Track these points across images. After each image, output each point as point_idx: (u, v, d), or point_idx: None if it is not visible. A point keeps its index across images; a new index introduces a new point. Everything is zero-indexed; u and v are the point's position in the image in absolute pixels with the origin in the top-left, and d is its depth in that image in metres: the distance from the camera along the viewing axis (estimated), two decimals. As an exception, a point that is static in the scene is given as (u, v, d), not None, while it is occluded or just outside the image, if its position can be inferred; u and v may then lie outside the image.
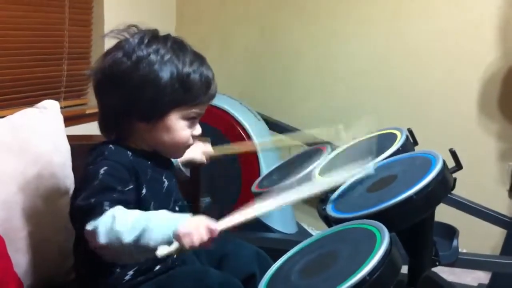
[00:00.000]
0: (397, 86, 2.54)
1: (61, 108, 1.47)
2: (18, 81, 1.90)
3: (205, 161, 1.41)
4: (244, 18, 2.71)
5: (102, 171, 1.03)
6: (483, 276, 2.26)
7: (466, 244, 2.17)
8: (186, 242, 0.91)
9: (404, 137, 1.22)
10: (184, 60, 1.09)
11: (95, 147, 1.11)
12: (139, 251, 0.94)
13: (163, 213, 0.97)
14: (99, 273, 1.10)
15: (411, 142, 1.25)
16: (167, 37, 1.13)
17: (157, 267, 1.14)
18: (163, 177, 1.16)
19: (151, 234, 0.92)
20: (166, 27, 1.17)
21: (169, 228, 0.93)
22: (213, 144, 1.59)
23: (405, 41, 2.50)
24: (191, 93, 1.09)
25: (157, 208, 1.07)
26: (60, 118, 1.41)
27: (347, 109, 2.59)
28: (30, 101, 1.90)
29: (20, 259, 1.21)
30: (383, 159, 1.17)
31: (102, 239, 0.93)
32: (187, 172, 1.37)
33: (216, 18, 2.72)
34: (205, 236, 0.93)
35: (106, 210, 0.96)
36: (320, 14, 2.62)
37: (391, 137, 1.26)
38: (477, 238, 2.32)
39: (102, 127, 1.15)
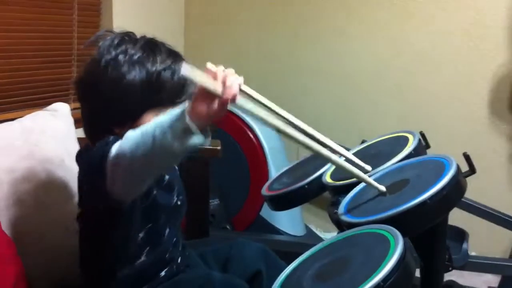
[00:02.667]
0: (406, 88, 2.53)
1: (70, 110, 1.47)
2: (28, 83, 1.91)
3: None
4: (253, 19, 2.71)
5: (110, 138, 0.99)
6: (493, 279, 2.25)
7: (475, 247, 2.16)
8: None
9: (416, 141, 1.21)
10: (154, 59, 1.05)
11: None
12: (164, 142, 0.84)
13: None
14: (105, 279, 1.11)
15: (423, 146, 1.24)
16: (139, 38, 1.10)
17: (162, 273, 1.14)
18: None
19: (163, 122, 0.85)
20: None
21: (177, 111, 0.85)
22: (222, 146, 1.59)
23: (414, 43, 2.49)
24: (165, 91, 1.05)
25: (159, 198, 1.08)
26: (71, 120, 1.41)
27: (356, 112, 2.59)
28: (40, 103, 1.91)
29: (30, 263, 1.21)
30: (395, 163, 1.16)
31: (127, 150, 0.88)
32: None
33: (224, 20, 2.72)
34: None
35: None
36: (327, 16, 2.61)
37: (403, 140, 1.25)
38: (487, 241, 2.31)
39: (85, 132, 1.13)
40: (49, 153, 1.30)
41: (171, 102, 1.05)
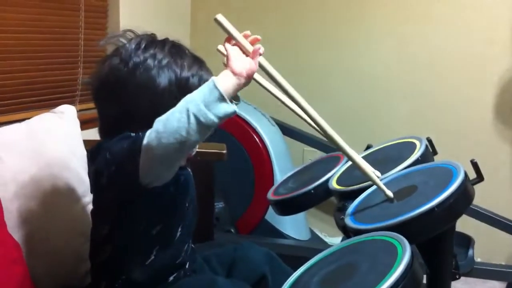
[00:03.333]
0: (412, 93, 2.53)
1: (77, 112, 1.47)
2: (34, 84, 1.91)
3: None
4: (258, 25, 2.70)
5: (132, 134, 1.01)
6: (498, 286, 2.24)
7: (480, 253, 2.15)
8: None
9: (423, 147, 1.20)
10: (182, 64, 1.06)
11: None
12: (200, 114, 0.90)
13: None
14: (115, 279, 1.10)
15: (430, 152, 1.23)
16: (164, 41, 1.10)
17: (171, 278, 1.13)
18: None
19: (195, 98, 0.91)
20: (180, 30, 1.16)
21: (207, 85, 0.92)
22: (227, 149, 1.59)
23: (422, 49, 2.49)
24: None
25: (174, 197, 1.09)
26: (77, 123, 1.41)
27: (362, 116, 2.58)
28: (46, 104, 1.91)
29: (35, 265, 1.21)
30: (403, 169, 1.15)
31: (164, 133, 0.90)
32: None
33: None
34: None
35: None
36: (335, 21, 2.61)
37: (410, 146, 1.24)
38: (492, 247, 2.30)
39: (102, 135, 1.12)
40: (55, 155, 1.29)
41: None
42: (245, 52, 0.97)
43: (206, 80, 1.01)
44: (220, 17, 0.96)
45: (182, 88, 1.04)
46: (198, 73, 1.07)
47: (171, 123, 0.91)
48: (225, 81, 0.93)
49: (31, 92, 1.90)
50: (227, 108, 0.92)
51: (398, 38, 2.52)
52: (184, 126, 0.90)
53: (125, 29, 1.12)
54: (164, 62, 1.05)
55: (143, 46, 1.07)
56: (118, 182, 1.02)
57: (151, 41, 1.08)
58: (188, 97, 0.92)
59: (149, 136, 0.92)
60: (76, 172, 1.33)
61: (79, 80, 2.11)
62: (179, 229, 1.13)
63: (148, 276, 1.09)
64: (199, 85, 1.01)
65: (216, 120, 0.91)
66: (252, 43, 0.98)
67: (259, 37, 0.99)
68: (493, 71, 2.39)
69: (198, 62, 1.10)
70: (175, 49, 1.09)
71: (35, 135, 1.29)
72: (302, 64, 2.66)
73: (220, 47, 0.99)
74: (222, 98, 0.91)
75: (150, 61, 1.05)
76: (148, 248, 1.09)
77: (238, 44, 0.97)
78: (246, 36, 0.98)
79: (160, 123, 0.92)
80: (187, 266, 1.16)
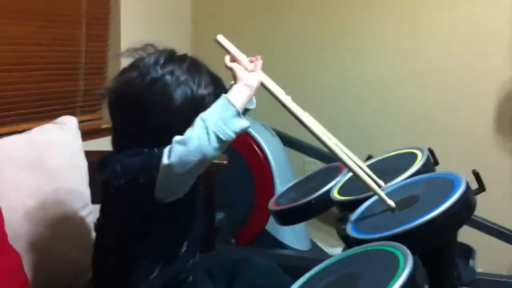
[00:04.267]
0: (412, 104, 2.52)
1: (78, 123, 1.47)
2: (36, 96, 1.91)
3: None
4: (261, 34, 2.71)
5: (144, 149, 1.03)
6: (500, 297, 2.22)
7: (481, 264, 2.14)
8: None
9: (425, 157, 1.21)
10: (199, 82, 1.07)
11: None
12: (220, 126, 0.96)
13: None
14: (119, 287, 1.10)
15: (431, 162, 1.24)
16: (183, 57, 1.11)
17: None
18: None
19: (211, 115, 0.97)
20: (181, 42, 1.17)
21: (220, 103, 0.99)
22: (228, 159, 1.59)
23: (422, 59, 2.49)
24: None
25: (181, 212, 1.09)
26: (78, 134, 1.41)
27: (362, 126, 2.58)
28: (47, 115, 1.91)
29: (35, 276, 1.21)
30: (404, 179, 1.16)
31: (186, 153, 0.95)
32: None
33: (232, 33, 2.72)
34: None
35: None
36: (334, 30, 2.62)
37: (412, 157, 1.25)
38: (493, 257, 2.29)
39: (114, 145, 1.12)
40: (56, 166, 1.30)
41: None
42: (246, 68, 1.06)
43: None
44: (220, 37, 1.04)
45: (198, 106, 1.05)
46: (214, 92, 1.08)
47: (192, 142, 0.95)
48: (238, 97, 1.00)
49: (33, 103, 1.90)
50: (244, 123, 0.99)
51: (399, 50, 2.52)
52: (205, 144, 0.95)
53: (146, 43, 1.12)
54: (182, 79, 1.06)
55: (161, 62, 1.07)
56: (127, 195, 1.03)
57: (170, 57, 1.09)
58: (204, 115, 0.97)
59: (169, 156, 0.95)
60: (77, 183, 1.33)
61: (80, 91, 2.12)
62: (185, 244, 1.12)
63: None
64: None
65: (234, 135, 0.98)
66: (251, 61, 1.08)
67: (258, 57, 1.10)
68: (492, 81, 2.39)
69: (215, 80, 1.11)
70: (193, 67, 1.10)
71: (36, 147, 1.29)
72: (300, 75, 2.67)
73: (219, 38, 1.08)
74: (238, 114, 0.98)
75: (167, 78, 1.06)
76: (152, 262, 1.09)
77: (238, 61, 1.06)
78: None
79: (180, 143, 0.95)
80: (190, 279, 1.16)
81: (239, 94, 1.01)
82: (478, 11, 2.40)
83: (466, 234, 1.81)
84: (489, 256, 2.18)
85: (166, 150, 0.96)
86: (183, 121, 0.99)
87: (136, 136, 1.06)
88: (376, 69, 2.57)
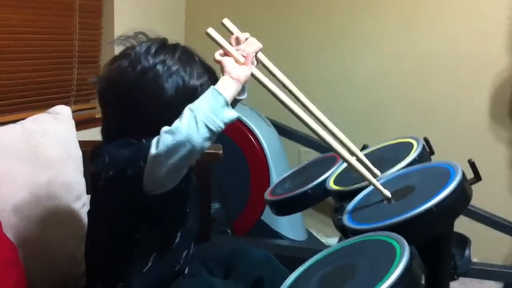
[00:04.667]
0: (408, 94, 2.52)
1: (72, 112, 1.46)
2: (28, 85, 1.90)
3: None
4: (254, 25, 2.69)
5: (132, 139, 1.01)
6: (495, 286, 2.24)
7: (477, 253, 2.15)
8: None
9: (420, 147, 1.20)
10: (191, 73, 1.06)
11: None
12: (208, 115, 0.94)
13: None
14: (113, 279, 1.09)
15: (427, 152, 1.23)
16: (175, 47, 1.09)
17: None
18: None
19: (201, 106, 0.94)
20: (175, 32, 1.15)
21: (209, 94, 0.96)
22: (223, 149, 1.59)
23: (417, 50, 2.48)
24: None
25: (174, 203, 1.07)
26: (72, 124, 1.40)
27: (358, 117, 2.58)
28: (40, 105, 1.90)
29: (31, 266, 1.20)
30: (400, 169, 1.15)
31: (173, 144, 0.92)
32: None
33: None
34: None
35: None
36: (332, 24, 2.61)
37: (407, 146, 1.24)
38: (489, 247, 2.30)
39: (104, 136, 1.11)
40: (50, 156, 1.29)
41: None
42: (237, 61, 1.02)
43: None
44: (210, 30, 1.01)
45: (189, 96, 1.02)
46: (207, 83, 1.06)
47: (180, 132, 0.92)
48: (226, 88, 0.98)
49: (26, 92, 1.89)
50: (232, 113, 0.97)
51: (393, 40, 2.52)
52: (193, 134, 0.92)
53: (137, 31, 1.11)
54: (173, 69, 1.04)
55: (153, 51, 1.05)
56: (116, 187, 1.01)
57: (161, 46, 1.07)
58: (193, 105, 0.94)
59: (157, 146, 0.93)
60: (72, 173, 1.32)
61: (74, 81, 2.10)
62: (178, 235, 1.11)
63: (146, 285, 1.07)
64: None
65: (223, 126, 0.95)
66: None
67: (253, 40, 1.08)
68: (488, 71, 2.39)
69: (208, 71, 1.09)
70: (185, 56, 1.08)
71: (30, 137, 1.28)
72: (298, 68, 2.66)
73: (210, 31, 1.03)
74: (226, 104, 0.96)
75: (159, 67, 1.04)
76: (145, 255, 1.08)
77: (230, 55, 1.02)
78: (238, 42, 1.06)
79: (168, 133, 0.92)
80: (186, 272, 1.15)
81: (226, 85, 0.98)
82: (473, 4, 2.40)
83: (461, 224, 1.82)
84: (484, 246, 2.19)
85: (154, 141, 0.93)
86: (175, 112, 0.96)
87: (126, 126, 1.05)
88: (372, 62, 2.56)
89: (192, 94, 1.03)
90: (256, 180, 2.33)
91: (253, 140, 2.33)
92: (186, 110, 0.94)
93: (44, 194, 1.25)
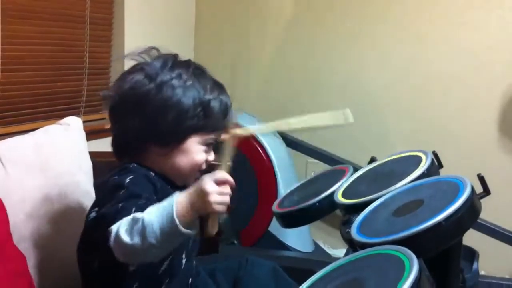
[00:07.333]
0: (416, 107, 2.52)
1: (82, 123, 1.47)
2: (39, 96, 1.92)
3: None
4: (263, 36, 2.71)
5: (127, 180, 1.02)
6: (503, 299, 2.22)
7: (484, 267, 2.13)
8: (213, 207, 0.92)
9: (429, 160, 1.20)
10: (205, 87, 1.10)
11: (116, 167, 1.11)
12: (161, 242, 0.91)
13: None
14: None
15: (436, 166, 1.23)
16: (188, 62, 1.14)
17: None
18: None
19: (153, 228, 0.90)
20: (184, 44, 1.18)
21: (166, 212, 0.91)
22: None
23: (427, 62, 2.49)
24: (211, 119, 1.10)
25: None
26: (83, 135, 1.41)
27: (366, 129, 2.58)
28: (51, 115, 1.92)
29: (40, 277, 1.21)
30: (408, 183, 1.15)
31: (124, 237, 0.91)
32: None
33: (234, 37, 2.72)
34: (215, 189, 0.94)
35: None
36: (338, 35, 2.62)
37: (416, 160, 1.24)
38: (497, 260, 2.29)
39: (116, 150, 1.13)
40: (61, 168, 1.30)
41: (214, 129, 1.11)
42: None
43: (226, 104, 1.10)
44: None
45: (204, 109, 1.08)
46: (219, 97, 1.11)
47: (132, 247, 0.90)
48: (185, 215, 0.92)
49: (36, 103, 1.91)
50: (185, 235, 0.92)
51: (403, 54, 2.52)
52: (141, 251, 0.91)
53: (150, 46, 1.14)
54: (189, 82, 1.09)
55: (169, 65, 1.09)
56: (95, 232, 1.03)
57: (176, 61, 1.12)
58: (148, 219, 0.91)
59: (114, 237, 0.92)
60: (83, 184, 1.33)
61: (84, 91, 2.12)
62: (184, 258, 1.13)
63: None
64: (220, 108, 1.09)
65: (172, 245, 0.95)
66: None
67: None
68: (497, 85, 2.39)
69: (218, 86, 1.13)
70: (198, 71, 1.12)
71: (41, 148, 1.29)
72: (306, 78, 2.67)
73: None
74: (178, 231, 0.90)
75: (175, 81, 1.08)
76: (154, 285, 1.09)
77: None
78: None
79: (123, 236, 0.91)
80: (189, 282, 1.16)
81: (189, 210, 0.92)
82: (482, 19, 2.40)
83: (469, 237, 1.81)
84: (492, 259, 2.18)
85: (114, 228, 0.92)
86: (191, 123, 1.01)
87: (143, 136, 1.07)
88: (380, 74, 2.56)
89: (207, 106, 1.08)
90: (264, 191, 2.33)
91: (261, 151, 2.34)
92: (140, 225, 0.91)
93: (55, 206, 1.25)
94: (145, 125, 1.07)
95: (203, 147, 1.12)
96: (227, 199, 0.94)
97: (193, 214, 0.91)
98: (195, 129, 1.09)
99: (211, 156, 1.15)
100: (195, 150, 1.10)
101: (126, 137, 1.11)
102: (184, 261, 1.13)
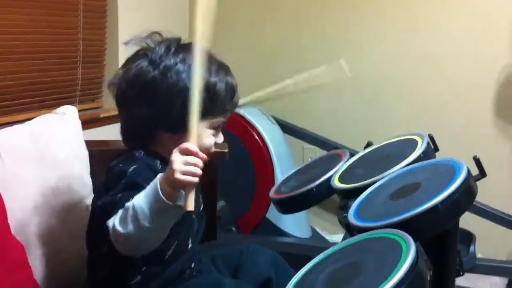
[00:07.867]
0: (412, 91, 2.52)
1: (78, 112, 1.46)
2: (34, 85, 1.91)
3: None
4: (257, 22, 2.70)
5: (130, 169, 1.03)
6: (499, 282, 2.24)
7: (481, 249, 2.15)
8: (176, 176, 0.90)
9: (425, 144, 1.20)
10: (210, 70, 1.07)
11: (124, 152, 1.11)
12: (154, 226, 0.93)
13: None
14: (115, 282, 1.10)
15: (432, 149, 1.23)
16: (191, 45, 1.10)
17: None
18: None
19: (144, 209, 0.92)
20: (178, 31, 1.16)
21: (152, 191, 0.93)
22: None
23: (420, 46, 2.49)
24: (218, 102, 1.08)
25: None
26: (79, 124, 1.41)
27: (362, 114, 2.58)
28: (46, 105, 1.91)
29: (38, 267, 1.21)
30: (404, 166, 1.15)
31: (119, 228, 0.93)
32: None
33: (228, 24, 2.71)
34: (184, 158, 0.92)
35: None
36: (334, 19, 2.61)
37: (412, 143, 1.24)
38: (493, 243, 2.30)
39: (125, 137, 1.13)
40: (58, 157, 1.29)
41: (221, 111, 1.11)
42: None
43: (232, 86, 1.09)
44: None
45: (210, 92, 1.06)
46: (224, 79, 1.10)
47: (128, 235, 0.93)
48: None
49: (31, 92, 1.90)
50: (177, 212, 0.94)
51: (398, 37, 2.52)
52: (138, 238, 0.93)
53: (152, 31, 1.12)
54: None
55: (173, 49, 1.08)
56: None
57: (179, 45, 1.10)
58: (139, 205, 0.93)
59: (111, 231, 0.95)
60: (79, 174, 1.33)
61: (79, 80, 2.11)
62: (190, 243, 1.14)
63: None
64: (226, 90, 1.08)
65: (168, 224, 0.96)
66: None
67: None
68: (492, 67, 2.39)
69: (224, 67, 1.12)
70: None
71: (38, 138, 1.29)
72: (301, 64, 2.65)
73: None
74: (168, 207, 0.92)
75: (180, 65, 1.07)
76: (160, 268, 1.10)
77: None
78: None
79: (120, 228, 0.93)
80: (192, 266, 1.16)
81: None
82: (476, 2, 2.40)
83: (466, 220, 1.82)
84: (489, 241, 2.19)
85: (110, 223, 0.96)
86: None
87: (150, 124, 1.07)
88: (375, 57, 2.56)
89: (213, 89, 1.07)
90: (261, 178, 2.34)
91: (257, 138, 2.34)
92: (131, 210, 0.93)
93: (52, 195, 1.25)
94: (152, 112, 1.06)
95: (211, 131, 1.11)
96: (193, 169, 0.91)
97: (169, 187, 0.92)
98: (203, 113, 1.06)
99: (219, 139, 1.14)
100: (204, 134, 1.10)
101: (133, 124, 1.10)
102: (190, 246, 1.13)
